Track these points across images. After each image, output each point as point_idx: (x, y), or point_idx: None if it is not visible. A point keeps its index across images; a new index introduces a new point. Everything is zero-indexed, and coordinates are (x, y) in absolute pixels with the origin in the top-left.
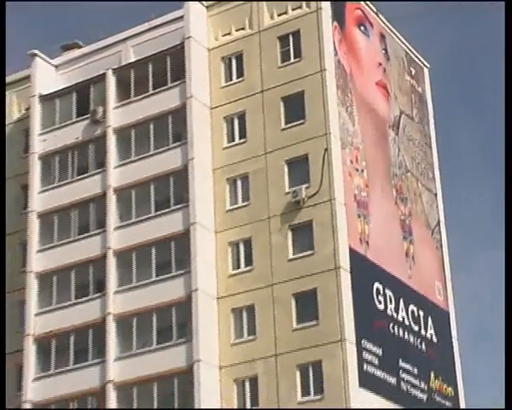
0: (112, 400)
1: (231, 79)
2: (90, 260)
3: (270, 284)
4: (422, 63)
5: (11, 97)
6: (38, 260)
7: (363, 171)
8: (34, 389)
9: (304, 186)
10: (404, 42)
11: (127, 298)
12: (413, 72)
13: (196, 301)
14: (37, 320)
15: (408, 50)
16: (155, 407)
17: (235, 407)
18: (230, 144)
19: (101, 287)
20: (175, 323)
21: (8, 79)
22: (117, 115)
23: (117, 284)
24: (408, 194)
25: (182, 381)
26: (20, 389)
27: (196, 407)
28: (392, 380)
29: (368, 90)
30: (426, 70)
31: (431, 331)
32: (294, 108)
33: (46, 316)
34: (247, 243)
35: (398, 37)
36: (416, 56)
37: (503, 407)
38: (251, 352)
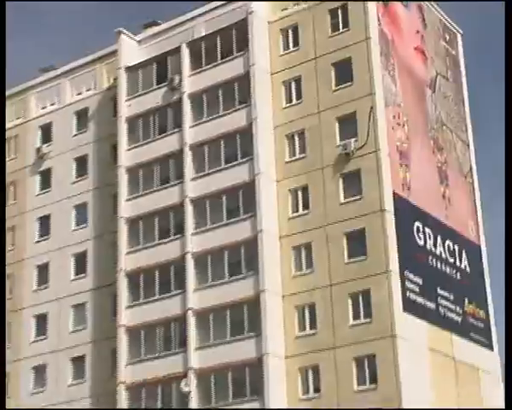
0: (191, 325)
1: (288, 48)
2: (171, 207)
3: (325, 225)
4: (456, 30)
5: (101, 69)
6: (127, 208)
7: (404, 125)
8: (127, 315)
9: (353, 140)
10: (440, 11)
11: (202, 239)
12: (447, 38)
13: (261, 240)
14: (128, 258)
15: (443, 19)
16: (229, 330)
17: (297, 328)
18: (288, 105)
19: (180, 230)
20: (243, 259)
21: (98, 53)
22: (191, 82)
23: (193, 227)
24: (444, 144)
25: (250, 308)
26: (114, 316)
27: (262, 331)
28: (432, 305)
29: (408, 54)
30: (459, 36)
31: (465, 263)
32: (343, 72)
33: (135, 255)
34: (304, 189)
35: (434, 7)
36: (451, 24)
37: None
38: (309, 283)
